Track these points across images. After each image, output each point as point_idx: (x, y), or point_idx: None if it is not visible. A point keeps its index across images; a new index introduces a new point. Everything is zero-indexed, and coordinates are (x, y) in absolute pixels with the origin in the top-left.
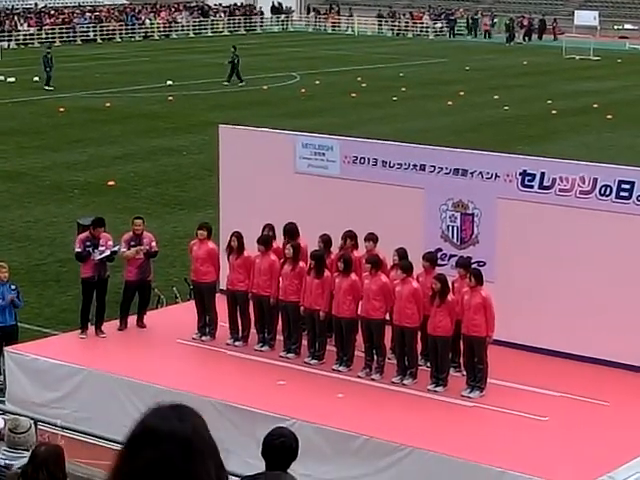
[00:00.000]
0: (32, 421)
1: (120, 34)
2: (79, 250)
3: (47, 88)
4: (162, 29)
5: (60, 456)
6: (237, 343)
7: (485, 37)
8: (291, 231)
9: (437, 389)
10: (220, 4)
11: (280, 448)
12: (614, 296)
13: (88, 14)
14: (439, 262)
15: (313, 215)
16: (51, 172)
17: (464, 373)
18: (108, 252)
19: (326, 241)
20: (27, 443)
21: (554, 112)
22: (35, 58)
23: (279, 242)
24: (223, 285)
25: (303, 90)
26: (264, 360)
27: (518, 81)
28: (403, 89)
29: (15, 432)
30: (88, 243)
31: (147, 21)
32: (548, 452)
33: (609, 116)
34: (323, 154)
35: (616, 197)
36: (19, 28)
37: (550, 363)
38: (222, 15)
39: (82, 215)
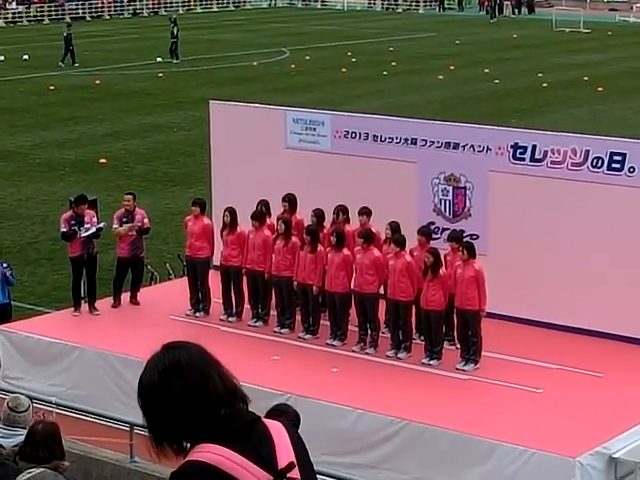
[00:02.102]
0: (29, 400)
1: (109, 11)
2: (65, 230)
3: (75, 65)
4: (151, 6)
5: (57, 433)
6: (231, 319)
7: (482, 10)
8: (291, 201)
9: (431, 362)
10: None
11: None
12: (607, 268)
13: None
14: (432, 236)
15: (305, 190)
16: (42, 150)
17: (458, 346)
18: (94, 229)
19: (319, 216)
20: (25, 422)
21: (545, 85)
22: (24, 36)
23: (273, 217)
24: (216, 262)
25: (293, 66)
26: (258, 336)
27: (508, 54)
28: (393, 64)
29: (16, 411)
30: (73, 222)
31: None
32: (542, 424)
33: (600, 88)
34: (314, 129)
35: (608, 169)
36: (7, 7)
37: (543, 335)
38: None
39: (74, 193)
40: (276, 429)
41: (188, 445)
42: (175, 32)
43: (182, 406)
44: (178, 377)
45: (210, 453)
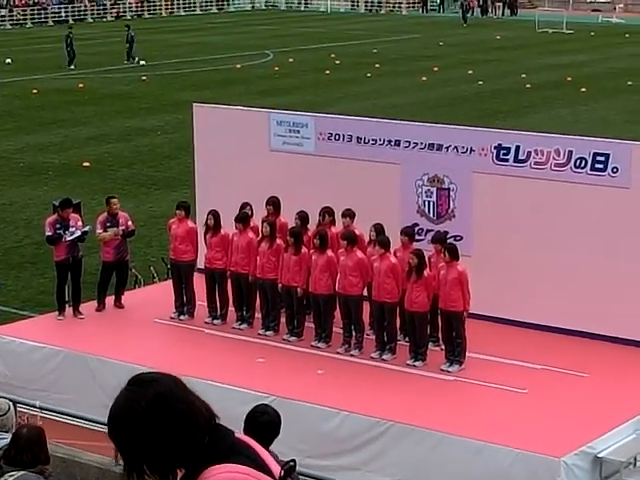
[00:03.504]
0: (11, 403)
1: (92, 14)
2: (50, 234)
3: (71, 67)
4: (134, 9)
5: (42, 437)
6: (215, 322)
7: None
8: (275, 204)
9: (416, 364)
10: None
11: (264, 425)
12: (591, 268)
13: None
14: (415, 237)
15: (289, 192)
16: (25, 154)
17: (443, 347)
18: (79, 232)
19: (303, 218)
20: (6, 426)
21: (528, 86)
22: (7, 40)
23: (257, 220)
24: (201, 265)
25: (277, 68)
26: (243, 338)
27: (492, 56)
28: (377, 65)
29: None
30: (58, 225)
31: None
32: (527, 424)
33: (583, 89)
34: (298, 131)
35: (591, 169)
36: None
37: (528, 336)
38: None
39: (58, 197)
40: (250, 440)
41: (172, 476)
42: (129, 38)
43: (174, 435)
44: (165, 409)
45: (230, 472)
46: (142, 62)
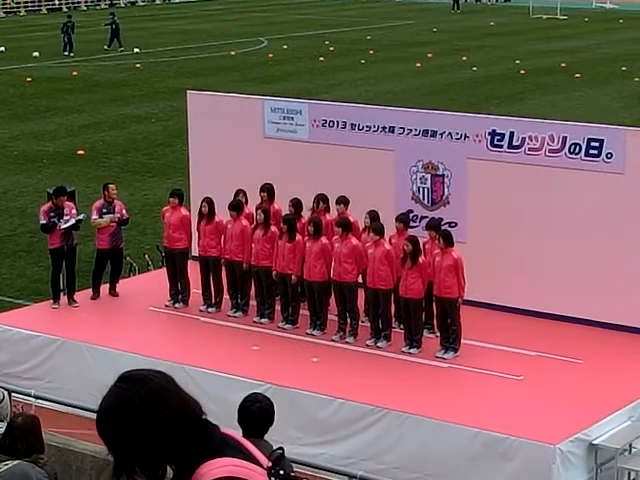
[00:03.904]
0: (6, 392)
1: (86, 2)
2: (44, 222)
3: (66, 54)
4: None
5: (37, 426)
6: (210, 309)
7: None
8: (269, 190)
9: (411, 351)
10: None
11: (258, 414)
12: (585, 254)
13: None
14: (410, 224)
15: (283, 179)
16: (19, 142)
17: (438, 334)
18: (73, 220)
19: (296, 205)
20: (1, 415)
21: (522, 72)
22: (1, 28)
23: (251, 207)
24: (195, 252)
25: (271, 55)
26: (238, 326)
27: (486, 42)
28: (371, 52)
29: None
30: (52, 213)
31: None
32: (522, 411)
33: (577, 75)
34: (292, 118)
35: (585, 155)
36: None
37: (523, 322)
38: None
39: (52, 185)
40: (236, 434)
41: (161, 472)
42: (113, 25)
43: (169, 433)
44: (159, 406)
45: (227, 466)
46: (136, 49)
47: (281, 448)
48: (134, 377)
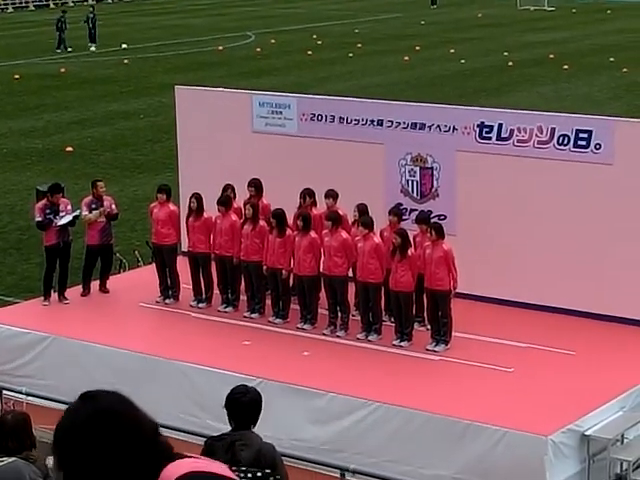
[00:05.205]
0: None
1: None
2: (40, 219)
3: (58, 51)
4: None
5: (28, 423)
6: (201, 305)
7: None
8: (257, 185)
9: (402, 344)
10: None
11: (249, 405)
12: (575, 244)
13: None
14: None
15: (273, 173)
16: (8, 140)
17: (429, 327)
18: (70, 217)
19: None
20: None
21: (510, 64)
22: None
23: (239, 202)
24: (185, 248)
25: (259, 49)
26: (228, 321)
27: (473, 34)
28: (359, 45)
29: None
30: (48, 210)
31: None
32: (514, 403)
33: (565, 66)
34: (280, 112)
35: (574, 146)
36: None
37: (513, 314)
38: None
39: (41, 182)
40: (193, 460)
41: None
42: (91, 20)
43: (117, 451)
44: (108, 424)
45: (187, 464)
46: (123, 45)
47: (272, 445)
48: (87, 395)
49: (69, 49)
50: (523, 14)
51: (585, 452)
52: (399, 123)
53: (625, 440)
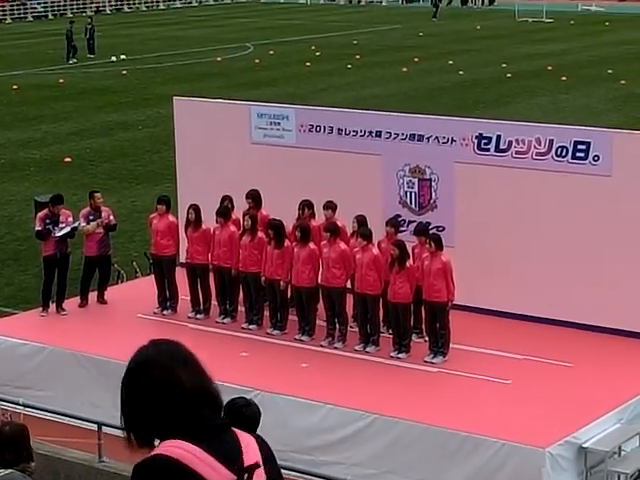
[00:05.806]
0: None
1: (71, 9)
2: (39, 229)
3: (70, 62)
4: (114, 3)
5: (26, 435)
6: (199, 316)
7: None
8: (255, 197)
9: (400, 355)
10: None
11: (251, 417)
12: (574, 257)
13: None
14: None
15: (271, 185)
16: (6, 150)
17: (427, 339)
18: (69, 228)
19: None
20: None
21: (509, 75)
22: None
23: (238, 213)
24: (183, 259)
25: (257, 60)
26: (226, 332)
27: (472, 46)
28: (357, 56)
29: None
30: (48, 221)
31: None
32: (512, 415)
33: (563, 78)
34: (279, 123)
35: (572, 158)
36: None
37: (511, 326)
38: None
39: (39, 192)
40: (245, 438)
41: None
42: (90, 31)
43: (146, 402)
44: (141, 373)
45: (175, 447)
46: (122, 56)
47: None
48: (147, 345)
49: (73, 60)
50: (521, 26)
51: (582, 464)
52: (397, 134)
53: (622, 452)
